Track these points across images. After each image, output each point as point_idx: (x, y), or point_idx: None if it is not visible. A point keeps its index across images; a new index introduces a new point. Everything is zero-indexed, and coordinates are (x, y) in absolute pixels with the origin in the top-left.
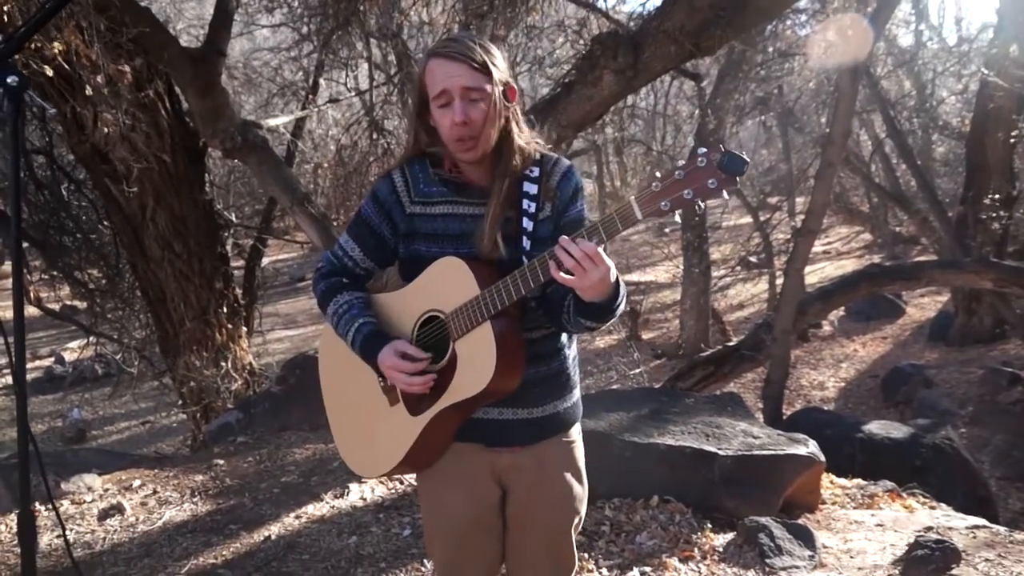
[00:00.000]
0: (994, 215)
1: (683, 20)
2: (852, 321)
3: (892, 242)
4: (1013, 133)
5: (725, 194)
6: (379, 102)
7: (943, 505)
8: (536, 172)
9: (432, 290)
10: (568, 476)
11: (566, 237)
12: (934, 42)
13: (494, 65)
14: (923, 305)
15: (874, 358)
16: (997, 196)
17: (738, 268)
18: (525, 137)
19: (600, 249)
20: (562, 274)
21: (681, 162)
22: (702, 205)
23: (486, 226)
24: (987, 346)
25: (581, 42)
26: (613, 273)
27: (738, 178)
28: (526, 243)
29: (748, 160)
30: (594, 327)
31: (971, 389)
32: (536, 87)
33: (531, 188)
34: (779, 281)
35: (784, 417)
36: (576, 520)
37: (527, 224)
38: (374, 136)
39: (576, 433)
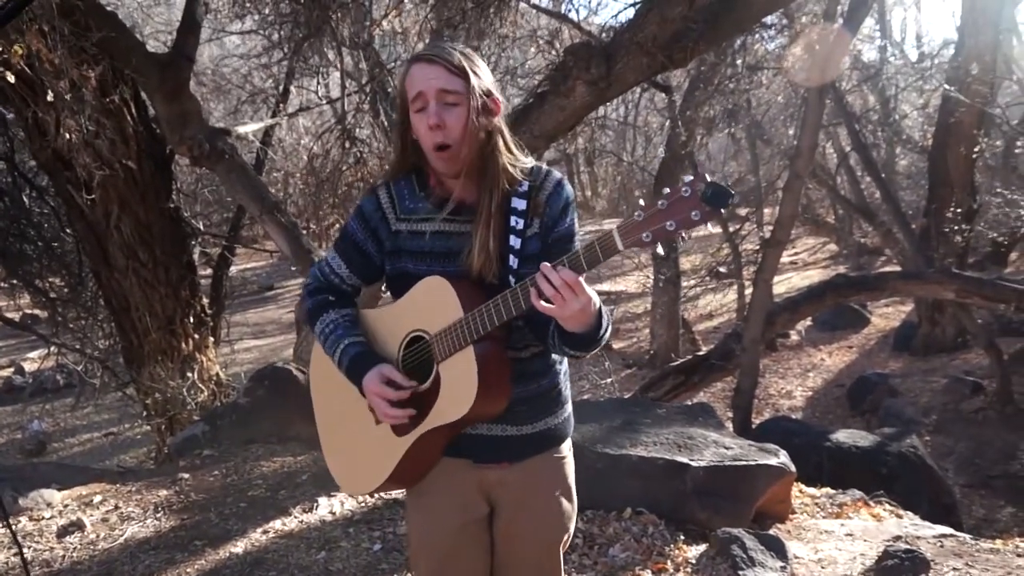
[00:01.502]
0: (956, 228)
1: (655, 32)
2: (818, 331)
3: (857, 253)
4: (976, 148)
5: (708, 226)
6: (351, 111)
7: (910, 514)
8: (525, 187)
9: (418, 310)
10: (557, 492)
11: (547, 264)
12: (897, 58)
13: (474, 71)
14: (887, 315)
15: (840, 367)
16: (959, 209)
17: (707, 278)
18: (512, 155)
19: (582, 279)
20: (542, 303)
21: (666, 190)
22: (685, 237)
23: (475, 247)
24: (950, 355)
25: (553, 53)
26: (595, 303)
27: (723, 210)
28: (513, 261)
29: (733, 192)
30: (578, 356)
31: (935, 398)
32: (508, 98)
33: (519, 204)
34: (748, 291)
35: (753, 426)
36: (564, 537)
37: (514, 242)
38: (346, 145)
39: (567, 448)
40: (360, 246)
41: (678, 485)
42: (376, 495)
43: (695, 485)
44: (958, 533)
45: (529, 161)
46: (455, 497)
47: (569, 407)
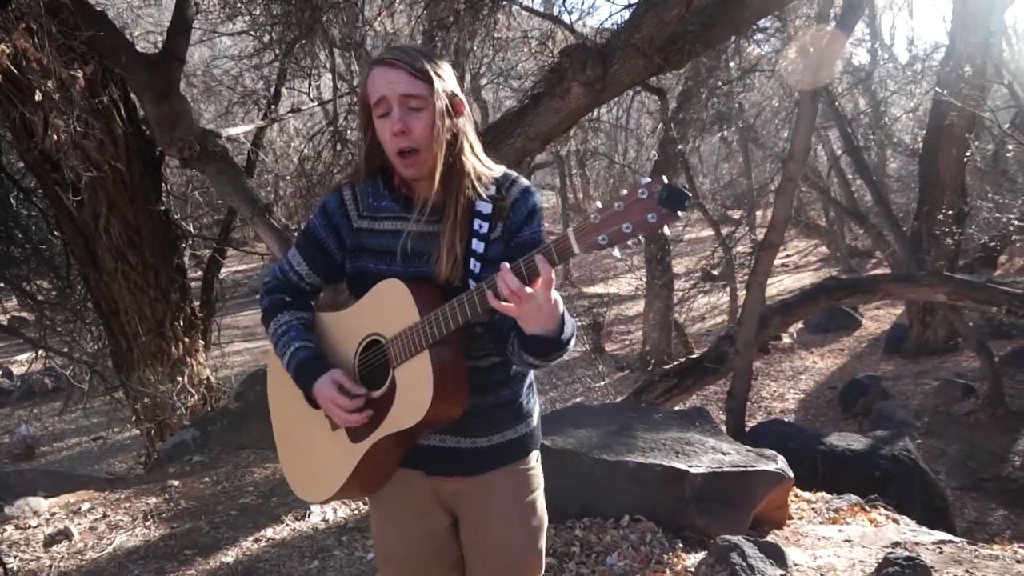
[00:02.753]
0: (947, 230)
1: (652, 33)
2: (810, 333)
3: (848, 255)
4: (968, 152)
5: (666, 229)
6: (343, 112)
7: (906, 519)
8: (492, 190)
9: (375, 313)
10: (520, 505)
11: (506, 264)
12: (886, 61)
13: (437, 74)
14: (878, 318)
15: (832, 370)
16: (950, 212)
17: (701, 282)
18: (478, 158)
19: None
20: (501, 302)
21: (623, 192)
22: (641, 240)
23: (442, 251)
24: (941, 358)
25: (547, 54)
26: (560, 306)
27: (680, 212)
28: (474, 265)
29: (689, 195)
30: (537, 365)
31: (926, 400)
32: (500, 100)
33: (484, 207)
34: (740, 294)
35: (747, 429)
36: (532, 556)
37: (476, 245)
38: (338, 147)
39: (533, 460)
40: (321, 244)
41: (676, 492)
42: (364, 502)
43: (693, 492)
44: (956, 539)
45: (498, 168)
46: (414, 508)
47: (534, 420)
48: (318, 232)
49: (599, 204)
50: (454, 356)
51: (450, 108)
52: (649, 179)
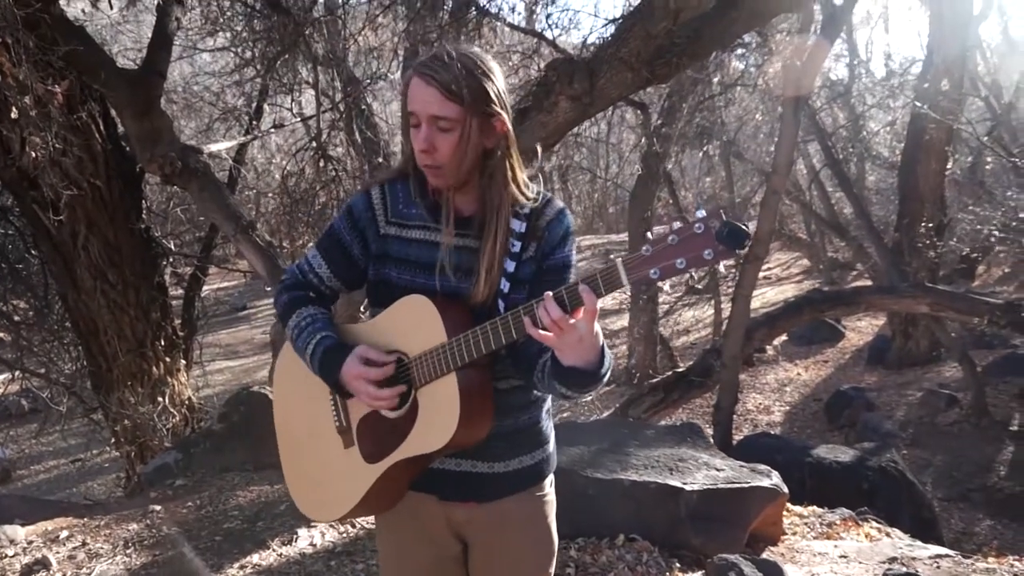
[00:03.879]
0: (928, 242)
1: (639, 47)
2: (794, 345)
3: (830, 268)
4: (948, 166)
5: (721, 267)
6: (325, 128)
7: (897, 531)
8: (527, 209)
9: (398, 329)
10: (532, 535)
11: (550, 294)
12: (864, 76)
13: (475, 92)
14: (861, 329)
15: (816, 381)
16: (930, 224)
17: (684, 296)
18: (517, 176)
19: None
20: (540, 331)
21: (677, 225)
22: (695, 276)
23: (481, 271)
24: (923, 368)
25: (532, 70)
26: (600, 337)
27: (738, 251)
28: (504, 284)
29: (750, 232)
30: (570, 396)
31: (911, 411)
32: None
33: (518, 226)
34: (725, 307)
35: (734, 442)
36: None
37: (508, 265)
38: (321, 164)
39: (548, 486)
40: (345, 247)
41: (671, 509)
42: (359, 525)
43: (689, 509)
44: (952, 552)
45: (534, 186)
46: (424, 534)
47: (551, 446)
48: (342, 234)
49: (650, 235)
50: (482, 381)
51: (484, 125)
52: (705, 212)
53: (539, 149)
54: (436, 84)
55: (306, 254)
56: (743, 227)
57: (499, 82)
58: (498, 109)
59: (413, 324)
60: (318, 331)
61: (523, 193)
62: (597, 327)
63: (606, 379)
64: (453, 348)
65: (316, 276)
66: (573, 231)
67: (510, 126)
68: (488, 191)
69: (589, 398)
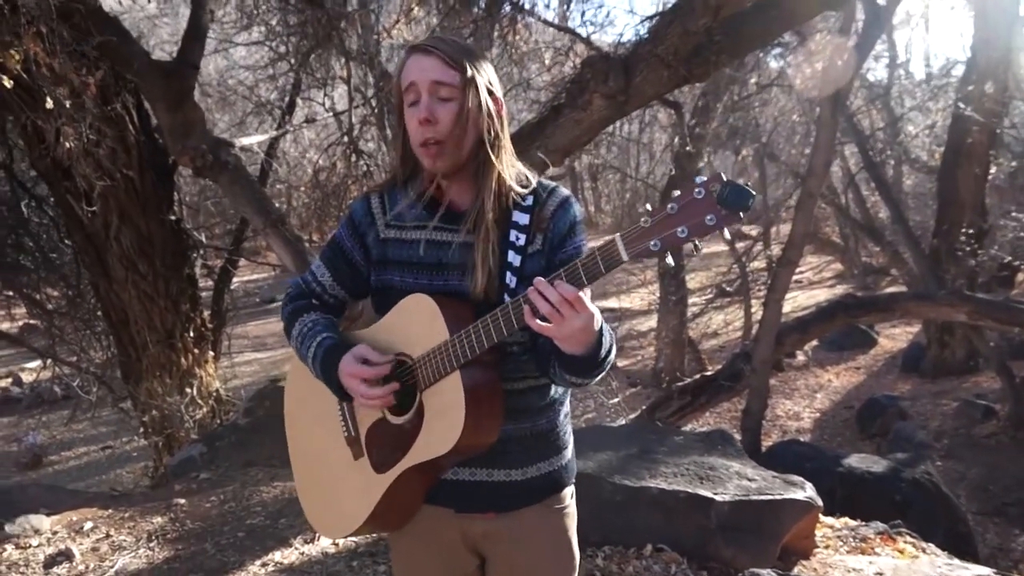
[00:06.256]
0: (967, 248)
1: (677, 44)
2: (825, 351)
3: (863, 272)
4: (992, 170)
5: (727, 232)
6: (357, 123)
7: (935, 548)
8: (529, 200)
9: (401, 330)
10: (552, 549)
11: (541, 279)
12: (903, 78)
13: (474, 67)
14: (895, 336)
15: (848, 389)
16: (970, 230)
17: (714, 299)
18: (510, 162)
19: (582, 294)
20: (537, 321)
21: (676, 193)
22: (699, 245)
23: (477, 263)
24: (960, 378)
25: (568, 66)
26: (597, 321)
27: (742, 213)
28: (510, 279)
29: (754, 193)
30: (579, 383)
31: (946, 422)
32: (515, 112)
33: (521, 218)
34: (755, 311)
35: (763, 449)
36: None
37: (512, 258)
38: (352, 158)
39: (568, 497)
40: (347, 255)
41: (701, 520)
42: None
43: (720, 521)
44: (993, 571)
45: (533, 176)
46: (439, 550)
47: (569, 452)
48: (344, 242)
49: (649, 207)
50: (488, 377)
51: (485, 104)
52: (705, 177)
53: (547, 160)
54: (437, 52)
55: (311, 265)
56: (745, 187)
57: (492, 71)
58: (497, 89)
59: (415, 324)
60: (319, 333)
61: (515, 178)
62: (594, 309)
63: (611, 360)
64: (455, 345)
65: (319, 285)
66: (581, 219)
67: (504, 112)
68: (479, 177)
69: (595, 382)
